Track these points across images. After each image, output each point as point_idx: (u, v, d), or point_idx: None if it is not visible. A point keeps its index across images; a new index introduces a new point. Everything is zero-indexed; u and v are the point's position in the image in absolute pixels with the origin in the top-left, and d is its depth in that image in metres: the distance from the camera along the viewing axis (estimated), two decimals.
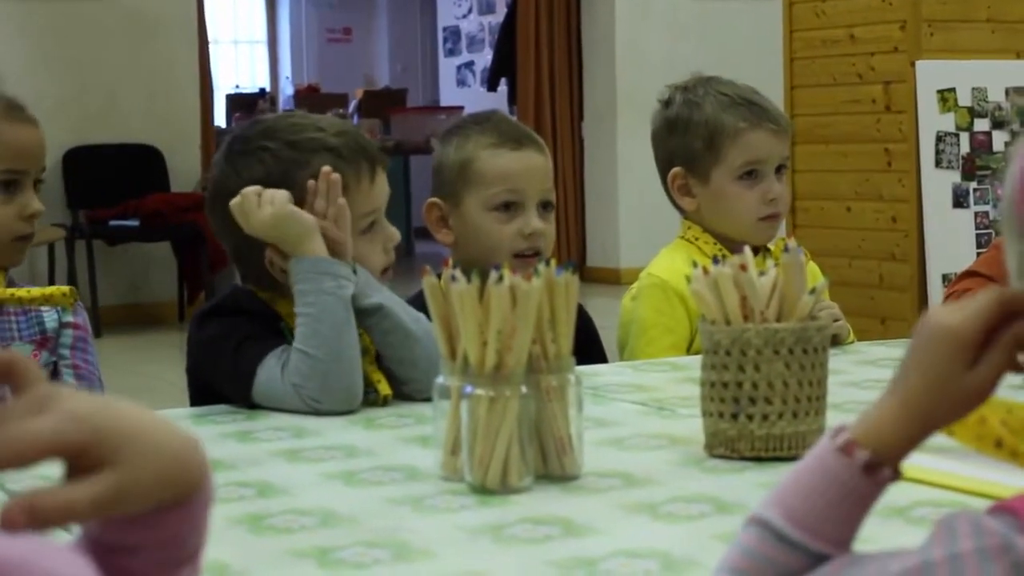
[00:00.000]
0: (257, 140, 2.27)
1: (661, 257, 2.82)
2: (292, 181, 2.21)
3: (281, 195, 2.18)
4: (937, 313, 1.05)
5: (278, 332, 2.23)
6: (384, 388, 2.20)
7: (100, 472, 0.85)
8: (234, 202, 2.19)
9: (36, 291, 2.29)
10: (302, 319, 2.15)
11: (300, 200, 2.20)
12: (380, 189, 2.30)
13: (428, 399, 2.13)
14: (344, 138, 2.27)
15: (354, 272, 2.20)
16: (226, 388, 2.23)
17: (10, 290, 2.29)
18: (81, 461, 0.85)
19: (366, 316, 2.20)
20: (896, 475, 1.05)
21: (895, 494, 1.56)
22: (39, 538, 0.83)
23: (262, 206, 2.18)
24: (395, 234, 2.33)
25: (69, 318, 2.41)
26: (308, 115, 2.35)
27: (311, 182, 2.21)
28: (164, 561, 0.92)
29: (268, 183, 2.21)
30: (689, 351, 2.67)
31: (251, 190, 2.19)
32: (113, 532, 0.91)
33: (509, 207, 2.53)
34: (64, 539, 0.91)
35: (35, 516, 0.82)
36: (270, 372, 2.16)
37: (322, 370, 2.12)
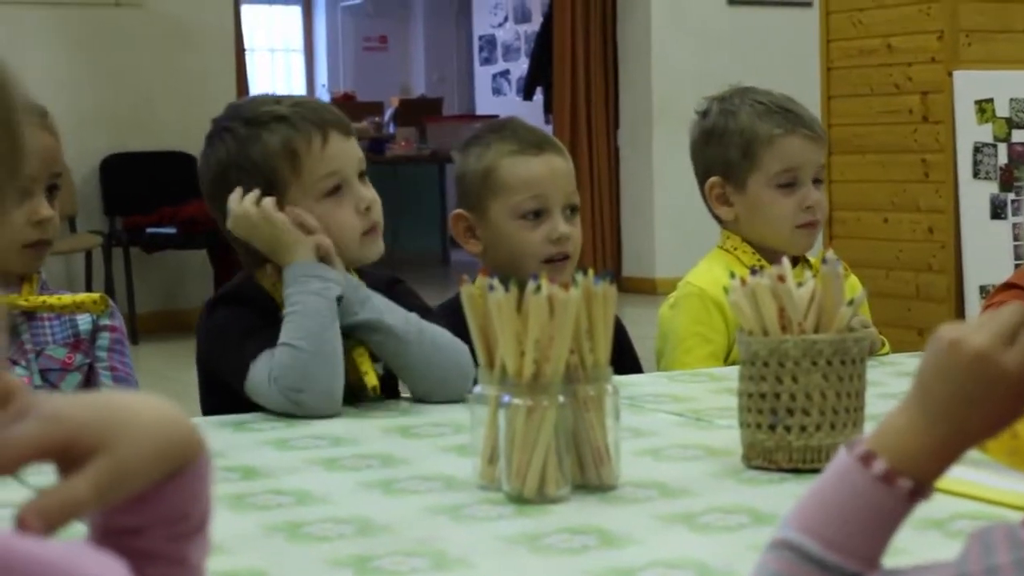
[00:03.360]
0: (223, 122, 2.36)
1: (700, 266, 2.82)
2: (247, 158, 2.29)
3: (267, 200, 2.27)
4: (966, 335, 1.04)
5: (279, 322, 2.25)
6: (371, 380, 2.24)
7: (92, 461, 0.86)
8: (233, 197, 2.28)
9: (67, 298, 2.31)
10: (288, 317, 2.21)
11: (251, 168, 2.28)
12: (337, 152, 2.32)
13: (434, 402, 2.25)
14: (297, 108, 2.32)
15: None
16: (226, 376, 2.28)
17: (42, 297, 2.29)
18: (70, 459, 0.87)
19: (357, 330, 2.26)
20: (933, 492, 1.05)
21: (933, 507, 1.56)
22: (74, 541, 0.84)
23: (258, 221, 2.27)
24: (367, 196, 2.34)
25: (106, 321, 2.43)
26: (276, 95, 2.42)
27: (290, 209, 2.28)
28: (172, 536, 0.93)
29: (229, 163, 2.31)
30: (727, 361, 2.66)
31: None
32: (118, 516, 0.92)
33: (536, 214, 2.54)
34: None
35: (47, 517, 0.84)
36: (260, 369, 2.20)
37: (304, 360, 2.16)
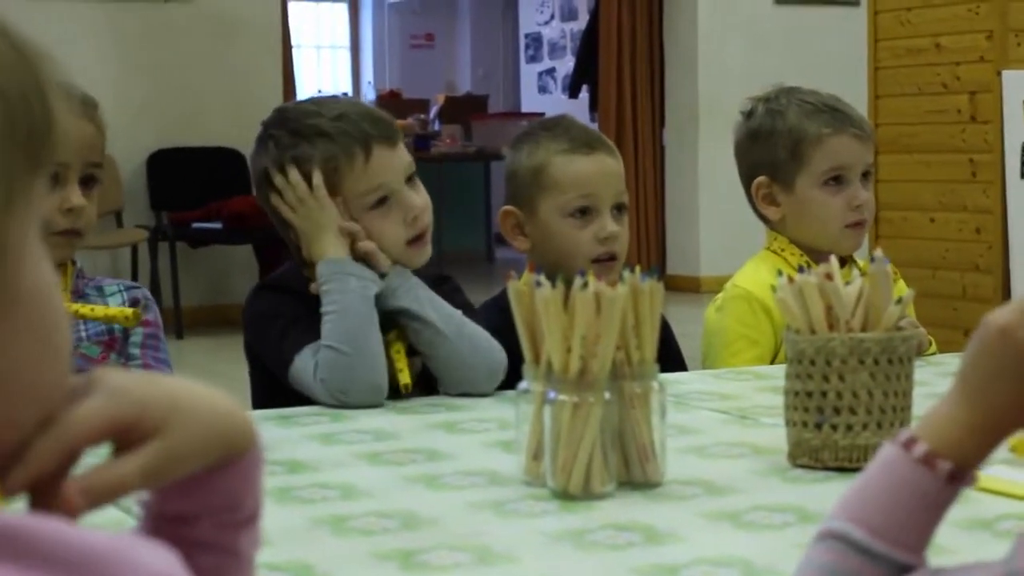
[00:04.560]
0: (269, 128, 2.38)
1: (746, 268, 2.81)
2: (284, 168, 2.32)
3: (318, 179, 2.31)
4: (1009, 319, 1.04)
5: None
6: (404, 377, 2.29)
7: (147, 443, 0.87)
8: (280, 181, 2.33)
9: (100, 310, 2.28)
10: (328, 316, 2.25)
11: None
12: (381, 165, 2.33)
13: (460, 394, 2.29)
14: (339, 122, 2.32)
15: (382, 275, 2.30)
16: (270, 363, 2.33)
17: (74, 306, 2.28)
18: (129, 436, 0.87)
19: (396, 315, 2.31)
20: (975, 479, 1.05)
21: (981, 507, 1.56)
22: (127, 532, 0.85)
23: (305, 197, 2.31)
24: (416, 205, 2.35)
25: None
26: (322, 100, 2.44)
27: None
28: (223, 525, 0.94)
29: (271, 170, 2.33)
30: (773, 364, 2.65)
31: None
32: (170, 503, 0.93)
33: (584, 212, 2.53)
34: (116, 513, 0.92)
35: (91, 495, 0.85)
36: (304, 364, 2.25)
37: (348, 363, 2.21)
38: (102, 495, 0.85)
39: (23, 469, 0.83)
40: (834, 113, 2.76)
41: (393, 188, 2.33)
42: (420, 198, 2.36)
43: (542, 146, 2.55)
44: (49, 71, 0.81)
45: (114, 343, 2.39)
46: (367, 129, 2.32)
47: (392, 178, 2.33)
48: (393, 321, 2.31)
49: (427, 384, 2.36)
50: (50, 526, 0.73)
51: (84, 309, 2.26)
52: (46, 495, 0.84)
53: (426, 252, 2.37)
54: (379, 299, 2.28)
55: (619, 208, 2.57)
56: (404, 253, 2.34)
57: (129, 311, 2.26)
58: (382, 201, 2.33)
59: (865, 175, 2.79)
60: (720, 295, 2.79)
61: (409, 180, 2.36)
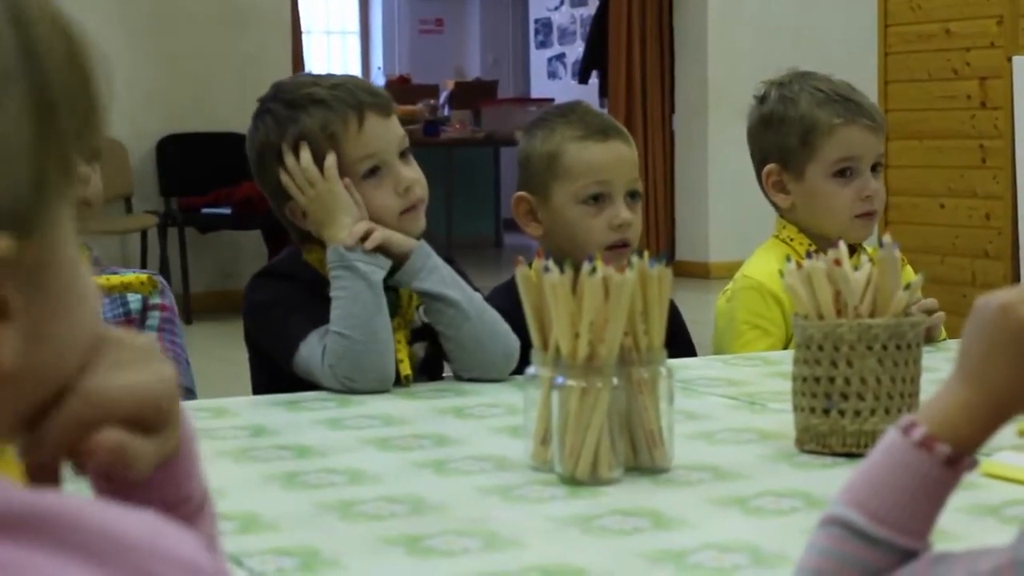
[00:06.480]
0: (266, 103, 2.38)
1: (756, 257, 2.80)
2: (282, 139, 2.31)
3: (330, 159, 2.30)
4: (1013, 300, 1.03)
5: (325, 298, 2.28)
6: (405, 368, 2.29)
7: (162, 432, 0.88)
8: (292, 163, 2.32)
9: (116, 279, 2.30)
10: (336, 302, 2.26)
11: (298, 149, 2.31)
12: (374, 133, 2.33)
13: (472, 379, 2.30)
14: (335, 90, 2.33)
15: (396, 265, 2.29)
16: (272, 352, 2.33)
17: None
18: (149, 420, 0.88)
19: (420, 296, 2.32)
20: (975, 463, 1.04)
21: (987, 493, 1.56)
22: (159, 517, 0.85)
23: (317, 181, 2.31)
24: (407, 177, 2.35)
25: (156, 300, 2.43)
26: (318, 74, 2.42)
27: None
28: (181, 519, 0.94)
29: (269, 144, 2.33)
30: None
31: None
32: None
33: (598, 199, 2.53)
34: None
35: (119, 457, 0.85)
36: (311, 350, 2.25)
37: (356, 350, 2.22)
38: (125, 460, 0.85)
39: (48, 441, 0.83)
40: (846, 103, 2.75)
41: (385, 158, 2.33)
42: (412, 171, 2.36)
43: (557, 132, 2.55)
44: (95, 59, 0.82)
45: (131, 324, 2.39)
46: (362, 97, 2.33)
47: (385, 148, 2.34)
48: (394, 309, 2.31)
49: (428, 375, 2.37)
50: (82, 510, 0.73)
51: (100, 280, 2.28)
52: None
53: (420, 222, 2.36)
54: (402, 281, 2.30)
55: (632, 195, 2.57)
56: (398, 223, 2.33)
57: (144, 276, 2.28)
58: (374, 171, 2.33)
59: (875, 165, 2.78)
60: (730, 285, 2.78)
61: (402, 155, 2.37)
